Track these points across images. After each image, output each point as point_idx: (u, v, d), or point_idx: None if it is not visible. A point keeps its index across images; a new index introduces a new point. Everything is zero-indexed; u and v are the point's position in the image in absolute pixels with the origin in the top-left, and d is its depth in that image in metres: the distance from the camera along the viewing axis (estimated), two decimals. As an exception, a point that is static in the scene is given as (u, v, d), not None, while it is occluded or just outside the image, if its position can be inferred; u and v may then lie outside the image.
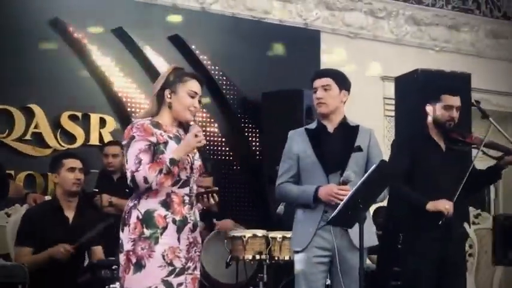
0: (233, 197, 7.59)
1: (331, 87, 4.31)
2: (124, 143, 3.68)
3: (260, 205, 7.67)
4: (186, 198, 3.74)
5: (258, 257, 5.26)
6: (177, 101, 3.77)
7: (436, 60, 8.80)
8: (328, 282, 4.33)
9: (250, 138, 7.89)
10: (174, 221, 3.67)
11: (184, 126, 3.85)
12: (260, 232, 5.32)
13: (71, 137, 7.03)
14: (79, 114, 7.08)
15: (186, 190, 3.75)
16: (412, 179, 4.80)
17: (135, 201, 3.67)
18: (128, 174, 3.62)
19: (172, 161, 3.62)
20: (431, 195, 4.72)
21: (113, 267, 4.67)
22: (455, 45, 9.33)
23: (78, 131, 7.06)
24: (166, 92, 3.78)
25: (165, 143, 3.69)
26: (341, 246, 4.14)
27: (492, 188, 9.64)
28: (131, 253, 3.62)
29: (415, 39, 9.13)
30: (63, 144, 6.96)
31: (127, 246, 3.64)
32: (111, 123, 7.21)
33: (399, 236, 5.01)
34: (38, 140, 6.90)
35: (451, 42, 9.31)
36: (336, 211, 3.81)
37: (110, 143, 6.51)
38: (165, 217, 3.65)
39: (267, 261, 5.29)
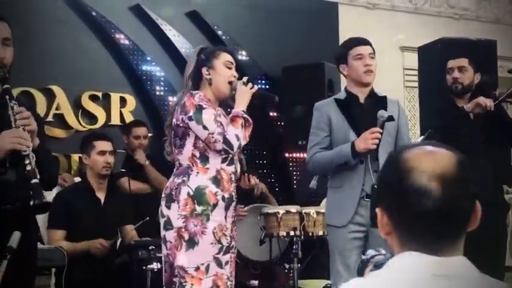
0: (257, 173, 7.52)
1: (374, 57, 4.30)
2: (191, 114, 3.63)
3: (283, 179, 7.61)
4: (233, 176, 3.75)
5: (292, 233, 5.20)
6: (217, 75, 3.79)
7: (456, 29, 8.69)
8: (363, 256, 4.29)
9: (272, 114, 7.78)
10: (223, 199, 3.67)
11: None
12: (294, 208, 5.25)
13: (92, 117, 6.95)
14: (99, 94, 7.00)
15: (233, 168, 3.76)
16: None
17: (184, 178, 3.64)
18: (218, 137, 3.62)
19: (245, 112, 3.71)
20: None
21: (150, 247, 4.64)
22: (475, 13, 9.20)
23: (99, 111, 6.98)
24: (204, 70, 3.78)
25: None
26: (377, 220, 4.09)
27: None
28: (183, 230, 3.60)
29: (434, 7, 8.99)
30: (84, 125, 6.89)
31: (177, 223, 3.61)
32: (132, 102, 7.12)
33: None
34: (60, 121, 6.81)
35: (470, 9, 9.17)
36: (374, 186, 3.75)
37: (138, 124, 6.41)
38: (215, 194, 3.65)
39: (302, 237, 5.23)
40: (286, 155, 7.68)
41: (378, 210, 1.61)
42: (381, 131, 3.99)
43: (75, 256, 4.71)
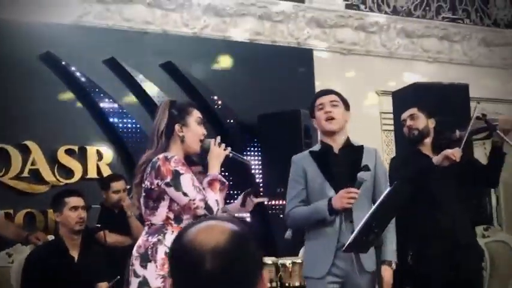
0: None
1: (339, 104, 4.30)
2: (168, 180, 3.60)
3: (265, 230, 7.57)
4: None
5: (268, 285, 5.17)
6: (190, 132, 3.77)
7: (430, 72, 8.78)
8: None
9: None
10: None
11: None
12: (269, 259, 5.23)
13: (68, 172, 6.93)
14: (75, 148, 6.99)
15: None
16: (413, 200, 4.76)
17: (159, 237, 3.60)
18: (200, 204, 3.59)
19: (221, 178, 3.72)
20: (437, 212, 4.71)
21: (123, 306, 4.59)
22: (448, 56, 9.29)
23: (75, 165, 6.96)
24: (177, 127, 3.74)
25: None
26: (353, 271, 4.09)
27: (493, 195, 9.60)
28: None
29: (408, 51, 9.08)
30: (61, 179, 6.86)
31: (156, 283, 3.56)
32: (108, 155, 7.11)
33: (409, 253, 4.94)
34: (36, 176, 6.79)
35: (444, 52, 9.27)
36: (352, 237, 3.74)
37: (116, 178, 6.36)
38: None
39: (278, 288, 5.20)
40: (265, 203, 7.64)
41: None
42: (358, 191, 4.00)
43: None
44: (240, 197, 4.05)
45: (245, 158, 4.33)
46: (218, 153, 3.79)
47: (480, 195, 6.50)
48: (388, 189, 3.79)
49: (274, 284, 5.16)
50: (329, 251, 4.10)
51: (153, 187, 3.65)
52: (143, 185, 3.71)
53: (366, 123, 8.43)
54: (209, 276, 1.62)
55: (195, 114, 3.82)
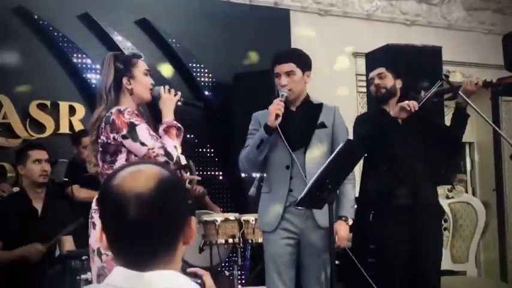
0: (208, 181, 7.51)
1: (295, 72, 4.30)
2: (124, 132, 3.61)
3: (234, 188, 7.62)
4: None
5: (231, 240, 5.23)
6: (138, 84, 3.79)
7: (408, 34, 8.76)
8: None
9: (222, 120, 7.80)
10: None
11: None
12: (232, 215, 5.28)
13: (40, 126, 6.93)
14: (48, 103, 6.98)
15: None
16: (374, 158, 4.80)
17: None
18: (159, 151, 3.62)
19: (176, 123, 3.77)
20: (398, 170, 4.75)
21: (83, 257, 4.64)
22: (426, 19, 9.27)
23: (47, 120, 6.96)
24: (125, 80, 3.76)
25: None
26: (307, 228, 4.15)
27: (468, 159, 9.68)
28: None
29: (386, 13, 9.05)
30: (32, 134, 6.86)
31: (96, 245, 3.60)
32: (81, 110, 7.11)
33: (370, 212, 4.99)
34: (7, 130, 6.79)
35: (421, 15, 9.24)
36: (304, 192, 3.79)
37: (87, 133, 6.37)
38: None
39: (241, 244, 5.25)
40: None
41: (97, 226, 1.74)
42: (282, 102, 4.13)
43: (12, 263, 4.70)
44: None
45: (197, 101, 4.35)
46: (169, 99, 3.83)
47: (449, 157, 6.54)
48: (341, 144, 3.82)
49: (237, 240, 5.21)
50: (279, 204, 4.16)
51: (109, 141, 3.66)
52: (99, 141, 3.73)
53: (341, 84, 8.46)
54: (133, 223, 1.62)
55: (141, 66, 3.84)
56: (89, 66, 7.18)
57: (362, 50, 8.11)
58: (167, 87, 3.87)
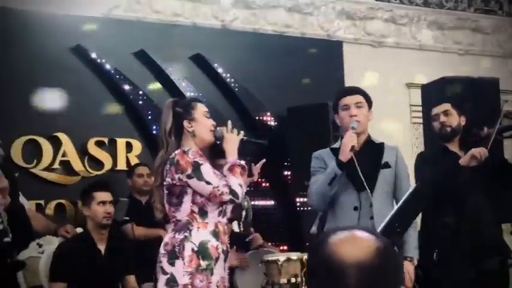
0: (264, 217, 7.50)
1: (363, 105, 4.30)
2: (189, 172, 3.66)
3: (291, 223, 7.60)
4: (226, 228, 3.80)
5: (293, 280, 5.19)
6: (199, 125, 3.84)
7: (461, 64, 8.70)
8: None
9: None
10: (223, 251, 3.72)
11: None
12: (294, 255, 5.24)
13: (98, 163, 7.01)
14: (105, 140, 7.06)
15: (225, 219, 3.79)
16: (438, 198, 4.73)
17: (186, 233, 3.67)
18: (224, 189, 3.67)
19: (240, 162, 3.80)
20: (462, 210, 4.68)
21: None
22: (480, 48, 9.20)
23: (105, 157, 7.04)
24: (185, 123, 3.80)
25: None
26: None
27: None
28: (189, 286, 3.61)
29: (439, 43, 9.01)
30: (90, 170, 6.94)
31: (183, 280, 3.63)
32: (138, 146, 7.18)
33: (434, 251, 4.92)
34: (66, 168, 6.88)
35: (475, 44, 9.18)
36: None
37: (139, 164, 6.53)
38: (216, 248, 3.70)
39: (303, 283, 5.21)
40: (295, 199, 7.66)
41: None
42: (355, 134, 4.10)
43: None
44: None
45: (260, 139, 4.36)
46: (232, 138, 3.85)
47: (507, 192, 6.44)
48: (411, 189, 3.79)
49: (299, 279, 5.17)
50: None
51: (174, 182, 3.71)
52: (164, 183, 3.76)
53: (395, 115, 8.42)
54: None
55: (201, 108, 3.89)
56: (145, 102, 7.24)
57: (415, 81, 8.10)
58: (230, 126, 3.89)
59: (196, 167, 3.66)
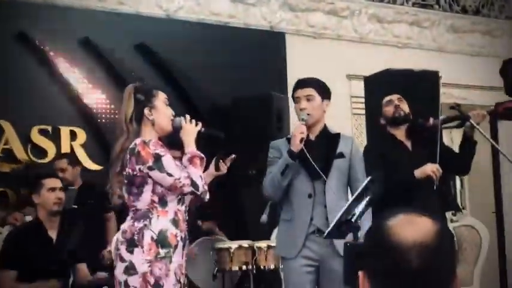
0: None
1: (315, 98, 4.37)
2: (150, 164, 3.65)
3: (235, 211, 7.65)
4: (185, 215, 3.81)
5: (244, 267, 5.27)
6: (159, 114, 3.83)
7: (399, 57, 8.88)
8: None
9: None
10: (181, 239, 3.73)
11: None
12: (246, 243, 5.33)
13: (42, 152, 6.93)
14: (49, 128, 6.99)
15: (184, 207, 3.80)
16: None
17: (145, 222, 3.67)
18: (186, 181, 3.66)
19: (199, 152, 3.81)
20: (407, 197, 4.81)
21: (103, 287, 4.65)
22: (417, 41, 9.41)
23: (49, 145, 6.97)
24: (146, 111, 3.79)
25: None
26: (327, 256, 4.21)
27: (458, 179, 9.79)
28: (149, 274, 3.63)
29: (378, 37, 9.18)
30: (34, 159, 6.86)
31: (142, 268, 3.63)
32: (82, 135, 7.12)
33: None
34: (9, 156, 6.79)
35: (413, 38, 9.39)
36: (331, 226, 3.84)
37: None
38: (176, 235, 3.71)
39: (254, 271, 5.29)
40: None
41: (360, 273, 1.68)
42: (304, 126, 4.21)
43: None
44: (213, 163, 4.10)
45: (217, 130, 4.38)
46: (191, 129, 3.87)
47: (447, 180, 6.64)
48: (366, 181, 3.88)
49: (250, 267, 5.25)
50: (301, 232, 4.22)
51: (135, 173, 3.70)
52: (124, 173, 3.76)
53: (336, 106, 8.49)
54: (413, 272, 1.58)
55: (162, 96, 3.90)
56: (89, 90, 7.20)
57: (356, 73, 8.24)
58: (188, 117, 3.91)
59: (157, 158, 3.66)
